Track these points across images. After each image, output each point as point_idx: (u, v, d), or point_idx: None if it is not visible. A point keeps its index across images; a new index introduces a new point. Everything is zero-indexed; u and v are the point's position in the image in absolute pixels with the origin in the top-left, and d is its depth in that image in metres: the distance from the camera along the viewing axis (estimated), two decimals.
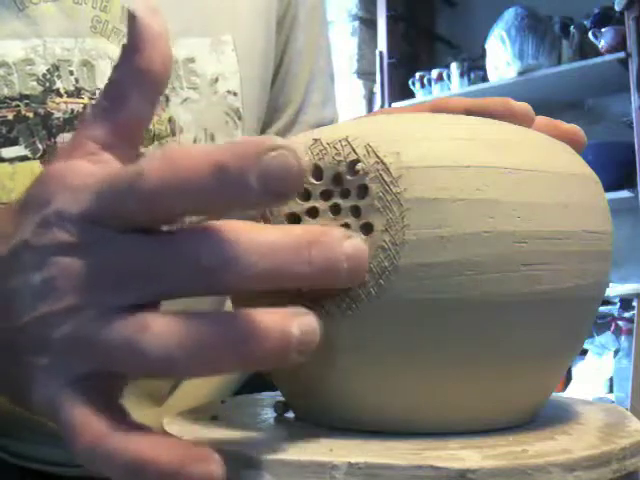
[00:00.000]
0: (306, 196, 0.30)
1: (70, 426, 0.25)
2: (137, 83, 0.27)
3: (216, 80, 0.52)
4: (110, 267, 0.24)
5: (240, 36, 0.54)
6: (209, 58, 0.52)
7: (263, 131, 0.64)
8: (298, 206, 0.30)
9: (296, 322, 0.24)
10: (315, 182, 0.30)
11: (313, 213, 0.30)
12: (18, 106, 0.45)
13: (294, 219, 0.30)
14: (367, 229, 0.28)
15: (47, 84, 0.46)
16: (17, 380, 0.27)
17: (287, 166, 0.22)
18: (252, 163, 0.22)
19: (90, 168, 0.27)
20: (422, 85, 2.60)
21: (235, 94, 0.54)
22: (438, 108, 0.37)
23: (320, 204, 0.29)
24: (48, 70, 0.46)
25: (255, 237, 0.24)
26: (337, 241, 0.25)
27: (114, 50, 0.48)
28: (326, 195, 0.29)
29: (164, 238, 0.25)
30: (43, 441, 0.49)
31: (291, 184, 0.23)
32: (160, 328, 0.23)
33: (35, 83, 0.45)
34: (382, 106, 2.55)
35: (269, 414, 0.35)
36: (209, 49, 0.52)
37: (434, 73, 2.58)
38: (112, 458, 0.24)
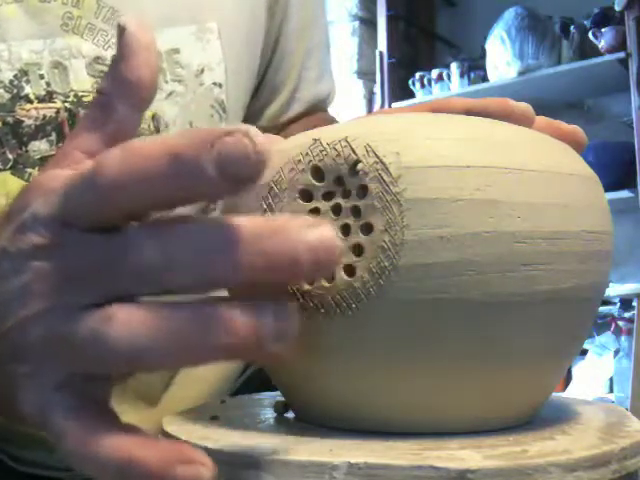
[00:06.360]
0: (308, 197, 0.30)
1: (59, 431, 0.25)
2: (125, 93, 0.27)
3: (202, 71, 0.51)
4: (74, 267, 0.24)
5: (225, 24, 0.53)
6: (194, 48, 0.51)
7: (262, 111, 0.63)
8: (301, 207, 0.30)
9: (270, 310, 0.23)
10: (317, 183, 0.30)
11: (315, 214, 0.30)
12: None
13: None
14: (367, 229, 0.28)
15: (15, 90, 0.44)
16: (2, 390, 0.27)
17: (243, 149, 0.22)
18: (207, 149, 0.22)
19: (67, 173, 0.26)
20: (422, 85, 2.60)
21: (220, 86, 0.53)
22: (438, 108, 0.37)
23: (322, 205, 0.29)
24: (15, 76, 0.44)
25: (212, 230, 0.23)
26: (297, 230, 0.23)
27: (89, 48, 0.46)
28: (328, 196, 0.29)
29: (125, 235, 0.24)
30: (39, 446, 0.49)
31: (249, 168, 0.22)
32: (125, 317, 0.23)
33: (2, 90, 0.44)
34: (382, 106, 2.55)
35: (269, 414, 0.35)
36: (194, 38, 0.51)
37: (434, 73, 2.58)
38: (101, 459, 0.24)
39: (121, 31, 0.27)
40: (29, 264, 0.25)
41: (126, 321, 0.23)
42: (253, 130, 0.22)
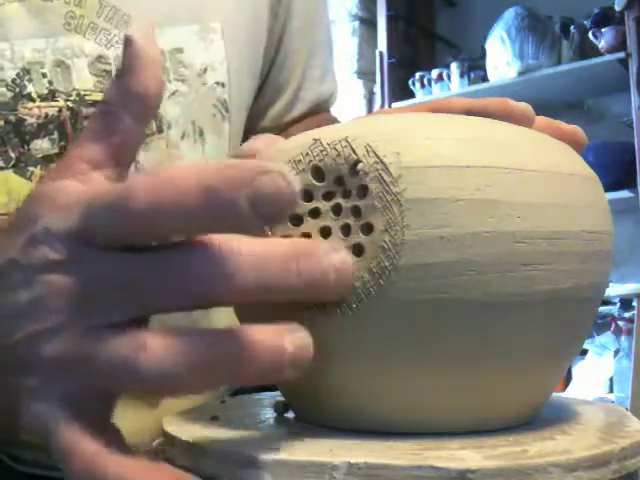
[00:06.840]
0: (308, 197, 0.30)
1: (62, 448, 0.25)
2: (131, 105, 0.27)
3: (205, 71, 0.51)
4: (96, 285, 0.24)
5: (227, 24, 0.53)
6: (198, 47, 0.51)
7: (265, 111, 0.63)
8: (301, 207, 0.30)
9: (289, 338, 0.24)
10: (317, 184, 0.30)
11: (315, 214, 0.30)
12: None
13: (297, 219, 0.30)
14: (367, 229, 0.28)
15: (17, 89, 0.44)
16: (5, 400, 0.27)
17: (278, 190, 0.22)
18: (243, 186, 0.22)
19: (78, 187, 0.26)
20: (422, 85, 2.60)
21: (223, 85, 0.53)
22: (438, 108, 0.37)
23: (322, 205, 0.29)
24: (18, 74, 0.44)
25: (243, 250, 0.24)
26: (325, 254, 0.25)
27: (92, 47, 0.47)
28: (328, 196, 0.29)
29: (151, 254, 0.24)
30: (39, 447, 0.49)
31: (282, 207, 0.23)
32: (157, 347, 0.23)
33: (4, 89, 0.44)
34: (382, 106, 2.55)
35: (269, 414, 0.35)
36: (197, 38, 0.51)
37: (434, 73, 2.58)
38: None
39: (127, 42, 0.27)
40: (41, 278, 0.25)
41: (157, 351, 0.23)
42: (286, 169, 0.23)
